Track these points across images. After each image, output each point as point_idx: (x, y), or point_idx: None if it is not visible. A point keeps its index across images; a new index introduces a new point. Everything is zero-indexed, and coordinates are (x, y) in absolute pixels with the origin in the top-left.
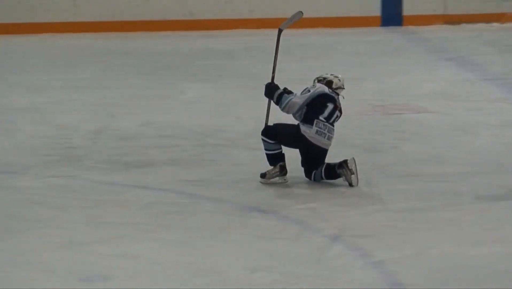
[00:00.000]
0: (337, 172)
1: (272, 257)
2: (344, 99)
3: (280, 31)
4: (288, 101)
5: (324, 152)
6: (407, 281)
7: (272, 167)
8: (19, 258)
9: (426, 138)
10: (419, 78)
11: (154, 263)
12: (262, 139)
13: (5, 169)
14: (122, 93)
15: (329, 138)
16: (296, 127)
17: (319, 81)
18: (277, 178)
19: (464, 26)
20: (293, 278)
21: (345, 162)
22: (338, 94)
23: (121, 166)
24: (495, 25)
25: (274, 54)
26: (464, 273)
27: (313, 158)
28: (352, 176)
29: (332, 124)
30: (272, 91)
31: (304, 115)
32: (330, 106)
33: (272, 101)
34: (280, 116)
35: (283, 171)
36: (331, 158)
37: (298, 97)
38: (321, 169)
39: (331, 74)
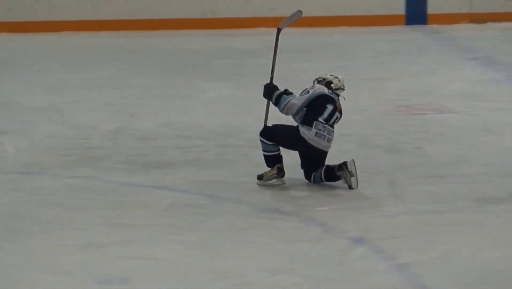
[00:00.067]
0: (337, 174)
1: (294, 259)
2: (345, 100)
3: (279, 30)
4: (287, 102)
5: (324, 154)
6: (431, 285)
7: (269, 169)
8: (36, 260)
9: (450, 138)
10: (444, 78)
11: (174, 265)
12: (260, 140)
13: (23, 170)
14: (142, 93)
15: (329, 140)
16: (296, 129)
17: (318, 82)
18: (274, 180)
19: (490, 25)
20: (314, 281)
21: (344, 164)
22: (338, 95)
23: (140, 167)
24: None
25: (273, 54)
26: (490, 276)
27: (313, 160)
28: (352, 178)
29: (332, 126)
30: (271, 92)
31: (303, 117)
32: (330, 107)
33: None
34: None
35: (280, 173)
36: (350, 157)
37: (297, 99)
38: (321, 171)
39: (331, 75)
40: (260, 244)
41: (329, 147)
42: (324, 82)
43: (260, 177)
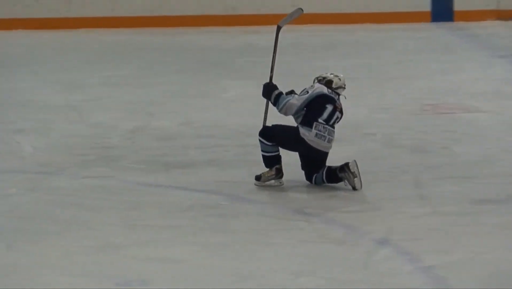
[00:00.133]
0: (339, 175)
1: (317, 261)
2: (345, 99)
3: (278, 28)
4: (286, 102)
5: (324, 155)
6: (457, 287)
7: (268, 170)
8: (53, 261)
9: (477, 138)
10: (471, 76)
11: (195, 267)
12: (259, 140)
13: (40, 169)
14: (161, 91)
15: (330, 141)
16: (295, 129)
17: (318, 81)
18: (272, 181)
19: None
20: (338, 283)
21: (346, 165)
22: (338, 95)
23: (159, 167)
24: None
25: (272, 53)
26: None
27: (313, 161)
28: (355, 179)
29: (332, 126)
30: (270, 92)
31: (303, 117)
32: (329, 107)
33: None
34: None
35: (279, 174)
36: (374, 157)
37: (296, 99)
38: (322, 172)
39: (331, 74)
40: (282, 245)
41: (330, 147)
42: (325, 81)
43: (258, 178)
